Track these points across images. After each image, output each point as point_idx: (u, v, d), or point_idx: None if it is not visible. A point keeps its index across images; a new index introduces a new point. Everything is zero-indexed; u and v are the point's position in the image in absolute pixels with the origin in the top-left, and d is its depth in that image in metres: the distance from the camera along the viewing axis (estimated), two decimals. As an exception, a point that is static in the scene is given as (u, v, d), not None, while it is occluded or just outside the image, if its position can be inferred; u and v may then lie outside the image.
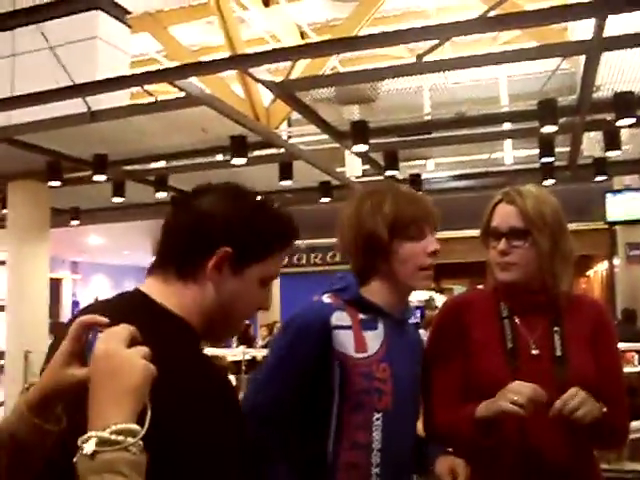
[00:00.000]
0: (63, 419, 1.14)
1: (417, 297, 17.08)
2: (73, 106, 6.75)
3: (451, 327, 2.08)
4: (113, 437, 0.92)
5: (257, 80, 6.67)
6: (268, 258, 1.46)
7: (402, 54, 11.96)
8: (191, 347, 1.40)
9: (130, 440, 0.92)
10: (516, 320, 2.01)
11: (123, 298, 1.45)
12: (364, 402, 1.83)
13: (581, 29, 7.99)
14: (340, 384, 1.83)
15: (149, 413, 0.97)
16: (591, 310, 2.05)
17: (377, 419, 1.83)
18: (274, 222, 1.50)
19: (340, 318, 1.88)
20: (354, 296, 1.94)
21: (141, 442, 0.93)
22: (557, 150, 8.82)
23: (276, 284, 12.91)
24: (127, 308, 1.39)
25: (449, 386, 2.00)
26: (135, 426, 0.94)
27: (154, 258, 1.48)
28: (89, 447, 0.91)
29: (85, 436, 0.92)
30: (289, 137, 10.89)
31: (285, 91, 6.83)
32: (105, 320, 1.09)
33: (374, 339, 1.90)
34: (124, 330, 1.04)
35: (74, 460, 0.92)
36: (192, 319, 1.40)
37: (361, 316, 1.92)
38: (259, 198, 1.56)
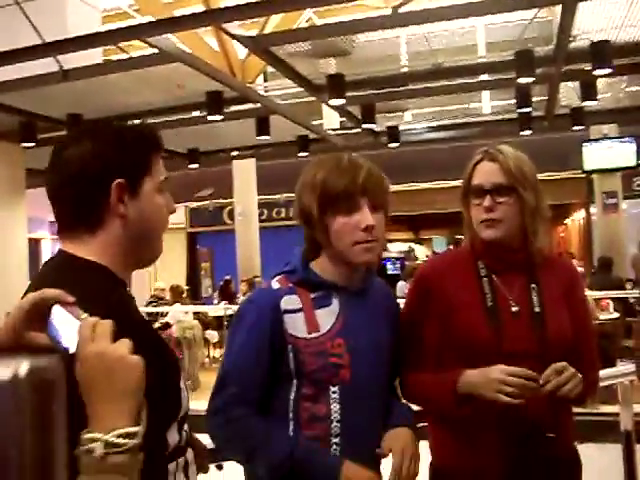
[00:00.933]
0: None
1: (397, 248, 17.19)
2: (45, 65, 6.63)
3: (428, 289, 2.07)
4: (120, 440, 0.93)
5: (231, 35, 6.58)
6: (151, 167, 1.48)
7: (378, 4, 11.80)
8: (118, 294, 1.43)
9: (134, 442, 0.94)
10: (494, 278, 2.02)
11: (53, 262, 1.48)
12: (320, 378, 1.85)
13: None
14: (295, 365, 1.85)
15: (145, 411, 0.99)
16: (563, 268, 2.10)
17: (334, 392, 1.85)
18: (140, 134, 1.52)
19: (289, 302, 1.89)
20: (302, 277, 1.93)
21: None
22: (534, 100, 8.82)
23: (255, 239, 12.93)
24: (58, 271, 1.43)
25: (424, 347, 2.02)
26: (137, 428, 0.96)
27: (58, 224, 1.48)
28: (99, 449, 0.92)
29: (89, 436, 0.93)
30: (265, 91, 10.77)
31: (259, 46, 6.74)
32: (71, 299, 1.09)
33: (328, 316, 1.90)
34: (107, 326, 1.04)
35: (76, 453, 0.93)
36: (115, 262, 1.43)
37: (312, 295, 1.92)
38: (116, 124, 1.63)
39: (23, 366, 0.36)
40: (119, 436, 0.94)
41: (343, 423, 1.86)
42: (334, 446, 1.86)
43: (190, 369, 8.85)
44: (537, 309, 1.95)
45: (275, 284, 1.95)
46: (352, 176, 1.87)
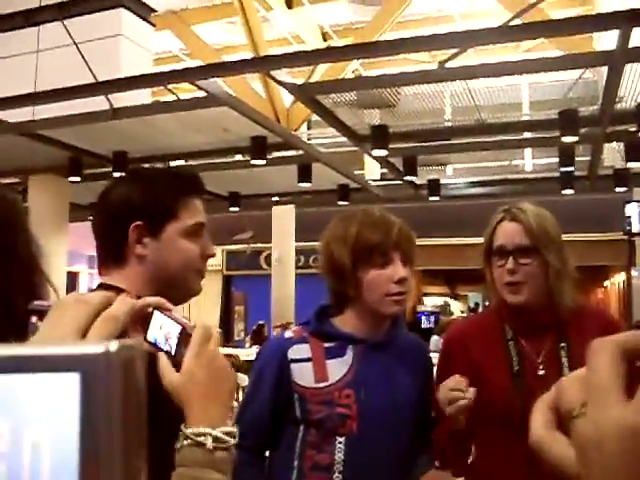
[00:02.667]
0: None
1: (432, 302, 17.09)
2: (95, 103, 6.80)
3: (455, 354, 2.07)
4: (225, 437, 0.99)
5: (278, 82, 6.68)
6: (178, 211, 1.57)
7: (424, 58, 11.94)
8: None
9: (234, 442, 1.00)
10: (522, 341, 1.98)
11: (95, 290, 1.57)
12: (326, 427, 1.87)
13: (607, 38, 7.95)
14: (302, 413, 1.89)
15: (233, 416, 1.08)
16: (596, 318, 2.02)
17: (339, 442, 1.86)
18: (169, 179, 1.62)
19: (298, 351, 1.93)
20: (315, 328, 1.97)
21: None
22: (577, 159, 8.78)
23: (291, 285, 12.93)
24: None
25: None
26: (235, 429, 1.01)
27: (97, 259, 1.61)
28: (210, 443, 0.98)
29: (199, 430, 0.98)
30: (309, 139, 10.90)
31: (306, 94, 6.84)
32: (170, 305, 1.15)
33: (339, 366, 1.92)
34: (215, 331, 1.11)
35: (178, 446, 0.99)
36: (142, 294, 1.40)
37: (326, 345, 1.95)
38: (157, 168, 1.74)
39: (113, 344, 0.40)
40: (225, 433, 0.99)
41: (345, 475, 1.84)
42: None
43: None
44: (566, 371, 1.90)
45: (288, 333, 2.02)
46: (386, 230, 1.92)
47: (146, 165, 8.96)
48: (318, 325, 1.98)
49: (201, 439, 0.97)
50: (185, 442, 0.99)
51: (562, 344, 1.95)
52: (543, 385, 1.96)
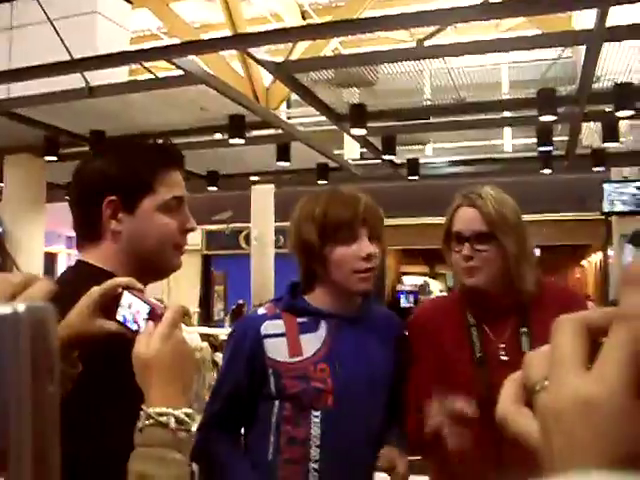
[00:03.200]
0: (79, 364, 1.18)
1: (411, 282, 17.15)
2: (72, 81, 6.71)
3: (423, 334, 2.08)
4: (186, 419, 0.99)
5: (257, 61, 6.63)
6: (155, 185, 1.53)
7: (403, 37, 11.89)
8: None
9: (193, 423, 1.01)
10: (484, 327, 2.00)
11: (70, 267, 1.58)
12: (301, 402, 1.88)
13: (586, 17, 7.95)
14: (276, 388, 1.90)
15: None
16: (558, 296, 2.02)
17: (316, 416, 1.87)
18: (145, 152, 1.61)
19: (271, 327, 1.95)
20: (288, 303, 2.00)
21: None
22: (556, 139, 8.81)
23: (270, 264, 12.92)
24: (77, 275, 1.53)
25: (420, 392, 1.97)
26: (193, 411, 1.02)
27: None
28: (172, 423, 0.98)
29: (161, 410, 0.98)
30: (288, 118, 10.85)
31: (284, 72, 6.79)
32: (140, 286, 1.18)
33: (313, 341, 1.94)
34: (181, 316, 1.11)
35: (140, 426, 0.99)
36: (120, 271, 1.47)
37: (299, 320, 1.97)
38: (133, 141, 1.75)
39: (21, 306, 0.40)
40: (186, 415, 0.99)
41: (323, 448, 1.86)
42: (312, 472, 1.85)
43: (198, 390, 8.81)
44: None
45: (261, 310, 2.02)
46: (352, 207, 1.94)
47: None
48: (291, 300, 2.00)
49: (163, 419, 0.97)
50: (147, 422, 0.98)
51: (523, 329, 1.95)
52: (506, 370, 2.00)
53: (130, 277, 1.21)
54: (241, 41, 6.69)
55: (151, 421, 0.98)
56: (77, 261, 1.57)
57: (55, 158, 8.53)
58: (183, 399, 1.02)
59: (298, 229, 1.98)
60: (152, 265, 1.58)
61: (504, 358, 1.94)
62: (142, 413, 0.99)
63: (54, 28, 6.50)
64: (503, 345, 1.97)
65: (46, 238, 9.99)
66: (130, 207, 1.52)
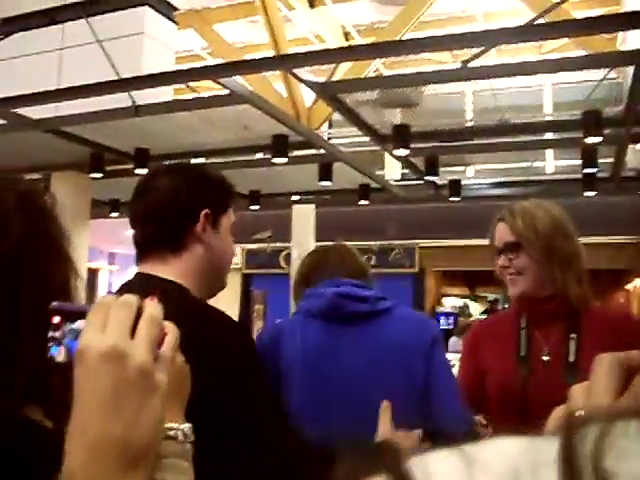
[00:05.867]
0: None
1: (451, 303, 17.02)
2: (118, 100, 6.84)
3: (472, 353, 2.25)
4: (190, 432, 1.04)
5: (300, 80, 6.67)
6: (228, 207, 1.71)
7: (446, 58, 11.90)
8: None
9: (192, 438, 1.04)
10: (534, 330, 2.12)
11: (141, 280, 1.60)
12: None
13: (632, 38, 7.88)
14: None
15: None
16: (615, 316, 2.18)
17: None
18: (220, 180, 1.75)
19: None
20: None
21: None
22: (600, 161, 8.71)
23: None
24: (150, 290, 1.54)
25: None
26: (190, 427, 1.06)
27: (137, 246, 1.67)
28: (181, 436, 1.02)
29: (170, 425, 1.02)
30: (330, 138, 10.89)
31: (327, 92, 6.83)
32: None
33: None
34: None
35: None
36: (193, 286, 1.58)
37: None
38: (196, 166, 1.85)
39: None
40: (189, 429, 1.04)
41: None
42: None
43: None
44: (571, 358, 2.01)
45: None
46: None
47: (169, 162, 9.00)
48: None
49: (172, 433, 1.01)
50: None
51: (573, 335, 2.06)
52: (546, 370, 2.04)
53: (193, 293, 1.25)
54: (285, 61, 6.75)
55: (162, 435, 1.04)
56: (148, 276, 1.60)
57: (100, 175, 8.66)
58: (183, 415, 1.06)
59: None
60: (215, 280, 1.72)
61: (545, 358, 2.09)
62: None
63: (102, 49, 6.63)
64: (548, 346, 2.08)
65: (88, 254, 10.14)
66: (215, 223, 1.64)
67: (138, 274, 1.65)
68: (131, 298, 0.86)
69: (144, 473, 0.76)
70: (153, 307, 0.88)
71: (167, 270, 1.59)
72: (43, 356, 0.92)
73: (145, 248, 1.66)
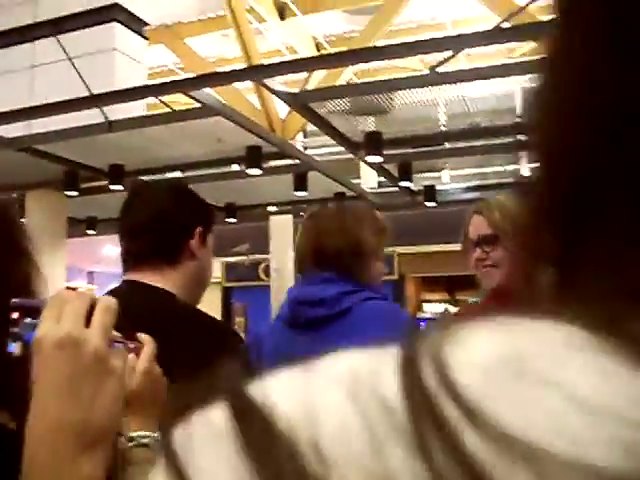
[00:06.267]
0: None
1: (432, 309, 17.06)
2: (91, 117, 6.83)
3: None
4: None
5: (271, 91, 6.72)
6: (211, 226, 1.80)
7: (418, 67, 11.99)
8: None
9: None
10: None
11: (130, 286, 1.66)
12: None
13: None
14: None
15: None
16: None
17: None
18: (201, 199, 1.85)
19: None
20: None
21: None
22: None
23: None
24: (142, 300, 1.63)
25: None
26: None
27: (129, 256, 1.74)
28: (152, 444, 1.09)
29: (142, 433, 1.10)
30: (305, 148, 10.92)
31: (298, 102, 6.87)
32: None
33: None
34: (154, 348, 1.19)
35: (123, 447, 1.09)
36: (180, 296, 1.68)
37: None
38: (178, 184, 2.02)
39: None
40: (158, 437, 1.08)
41: None
42: None
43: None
44: None
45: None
46: None
47: (145, 178, 8.99)
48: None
49: (145, 441, 1.09)
50: (131, 443, 1.09)
51: None
52: None
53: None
54: (256, 72, 6.78)
55: (135, 443, 1.09)
56: (140, 284, 1.68)
57: (75, 193, 8.63)
58: (156, 424, 1.11)
59: None
60: (198, 293, 1.83)
61: None
62: (124, 436, 1.10)
63: (73, 66, 6.63)
64: None
65: (67, 273, 10.08)
66: (204, 239, 1.74)
67: (126, 281, 1.71)
68: (85, 292, 0.94)
69: (102, 453, 0.78)
70: (107, 299, 0.93)
71: (161, 280, 1.66)
72: (2, 353, 0.94)
73: (139, 259, 1.74)
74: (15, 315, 0.97)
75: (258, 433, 0.21)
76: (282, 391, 0.23)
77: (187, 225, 1.71)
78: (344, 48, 10.01)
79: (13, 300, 0.98)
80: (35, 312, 0.96)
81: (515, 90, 12.18)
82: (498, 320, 0.24)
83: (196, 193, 1.85)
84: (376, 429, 0.20)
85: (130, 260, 1.73)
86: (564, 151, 0.30)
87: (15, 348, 0.96)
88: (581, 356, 0.21)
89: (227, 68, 10.44)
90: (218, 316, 12.53)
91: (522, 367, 0.20)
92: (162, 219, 1.72)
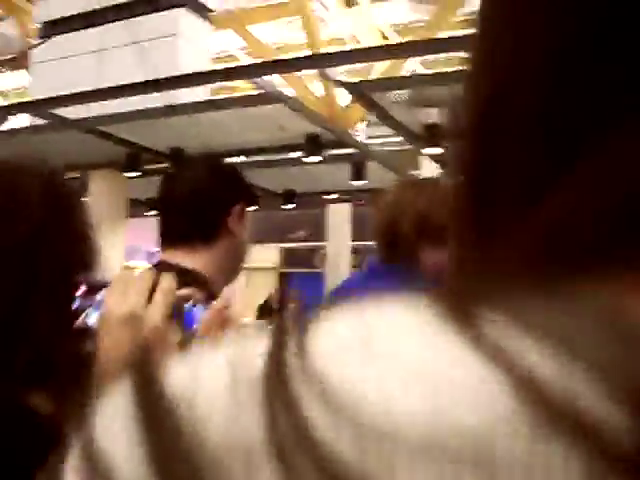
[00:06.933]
0: None
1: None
2: (154, 100, 6.94)
3: None
4: None
5: (333, 80, 6.71)
6: (253, 202, 1.74)
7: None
8: None
9: None
10: None
11: (162, 270, 1.60)
12: None
13: None
14: None
15: None
16: None
17: None
18: (241, 176, 1.76)
19: None
20: None
21: None
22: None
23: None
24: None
25: None
26: None
27: (165, 234, 1.67)
28: None
29: None
30: (369, 138, 10.89)
31: (361, 92, 6.85)
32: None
33: None
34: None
35: None
36: (217, 275, 1.62)
37: None
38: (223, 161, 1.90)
39: None
40: None
41: None
42: None
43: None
44: None
45: None
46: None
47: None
48: None
49: None
50: None
51: None
52: None
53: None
54: (319, 60, 6.79)
55: None
56: (173, 265, 1.61)
57: (136, 174, 8.78)
58: None
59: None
60: (234, 272, 1.76)
61: None
62: None
63: (139, 50, 6.74)
64: None
65: (126, 253, 10.28)
66: (242, 217, 1.67)
67: (158, 263, 1.68)
68: (146, 273, 0.99)
69: None
70: (167, 280, 0.99)
71: (194, 261, 1.61)
72: (54, 331, 0.98)
73: (174, 237, 1.65)
74: (81, 291, 1.03)
75: (150, 400, 0.24)
76: (180, 366, 0.26)
77: (225, 201, 1.65)
78: (409, 38, 9.94)
79: (79, 277, 1.04)
80: (99, 289, 1.05)
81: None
82: (362, 304, 0.25)
83: (237, 170, 1.79)
84: (239, 399, 0.23)
85: (166, 239, 1.67)
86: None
87: (94, 319, 1.03)
88: (421, 336, 0.23)
89: (291, 55, 10.46)
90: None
91: (368, 348, 0.23)
92: (198, 195, 1.66)
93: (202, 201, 1.65)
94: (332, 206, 12.01)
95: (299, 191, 10.94)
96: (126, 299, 0.94)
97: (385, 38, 12.24)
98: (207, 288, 1.56)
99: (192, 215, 1.64)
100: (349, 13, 11.53)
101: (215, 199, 1.65)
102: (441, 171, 10.68)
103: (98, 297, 1.04)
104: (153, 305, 0.93)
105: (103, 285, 1.04)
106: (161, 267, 1.62)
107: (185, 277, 1.56)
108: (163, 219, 1.68)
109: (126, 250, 10.23)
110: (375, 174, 9.16)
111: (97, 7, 7.51)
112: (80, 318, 1.04)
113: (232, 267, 1.69)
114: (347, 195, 11.20)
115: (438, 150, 7.59)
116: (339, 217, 12.21)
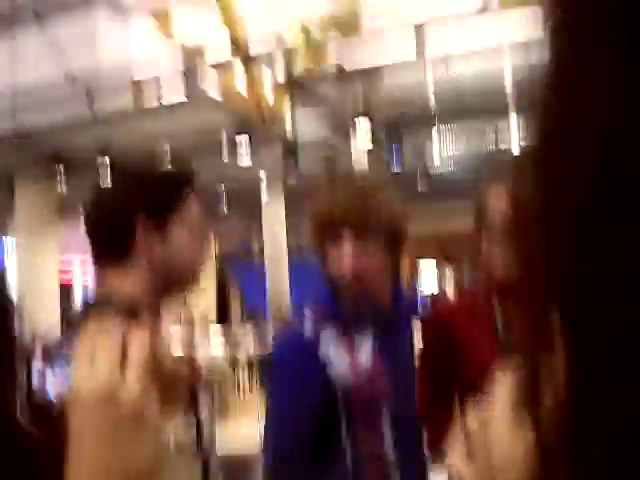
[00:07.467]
0: None
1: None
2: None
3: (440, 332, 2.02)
4: None
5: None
6: (179, 205, 1.51)
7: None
8: None
9: None
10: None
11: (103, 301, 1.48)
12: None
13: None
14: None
15: None
16: None
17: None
18: (166, 176, 1.57)
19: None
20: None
21: None
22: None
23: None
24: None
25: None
26: None
27: (92, 254, 1.51)
28: None
29: None
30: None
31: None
32: None
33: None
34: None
35: None
36: (138, 289, 1.45)
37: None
38: (144, 162, 1.66)
39: None
40: None
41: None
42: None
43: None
44: None
45: None
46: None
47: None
48: None
49: None
50: None
51: None
52: None
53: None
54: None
55: None
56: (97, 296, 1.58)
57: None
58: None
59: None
60: (174, 287, 1.60)
61: None
62: None
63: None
64: None
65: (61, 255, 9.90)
66: (160, 224, 1.53)
67: (100, 293, 1.53)
68: (114, 329, 0.82)
69: None
70: (139, 334, 0.83)
71: (114, 285, 1.47)
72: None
73: (97, 262, 1.51)
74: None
75: None
76: None
77: (126, 218, 1.43)
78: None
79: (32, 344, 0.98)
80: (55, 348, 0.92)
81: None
82: None
83: (149, 169, 1.57)
84: None
85: (95, 261, 1.52)
86: None
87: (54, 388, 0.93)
88: None
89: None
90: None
91: None
92: (100, 217, 1.49)
93: (105, 216, 1.49)
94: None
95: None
96: (96, 371, 0.77)
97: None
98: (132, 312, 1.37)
99: (98, 234, 1.51)
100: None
101: (115, 216, 1.47)
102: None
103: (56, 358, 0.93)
104: (127, 374, 0.78)
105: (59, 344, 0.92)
106: (101, 304, 1.45)
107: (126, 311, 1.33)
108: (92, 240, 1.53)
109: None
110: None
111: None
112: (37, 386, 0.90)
113: (168, 282, 1.49)
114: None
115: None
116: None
